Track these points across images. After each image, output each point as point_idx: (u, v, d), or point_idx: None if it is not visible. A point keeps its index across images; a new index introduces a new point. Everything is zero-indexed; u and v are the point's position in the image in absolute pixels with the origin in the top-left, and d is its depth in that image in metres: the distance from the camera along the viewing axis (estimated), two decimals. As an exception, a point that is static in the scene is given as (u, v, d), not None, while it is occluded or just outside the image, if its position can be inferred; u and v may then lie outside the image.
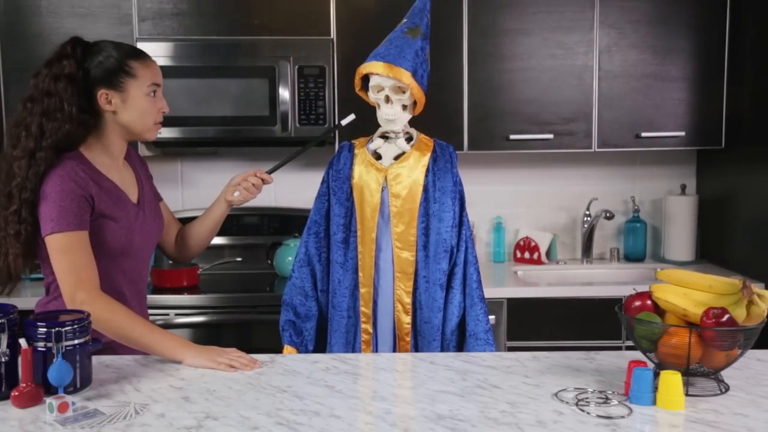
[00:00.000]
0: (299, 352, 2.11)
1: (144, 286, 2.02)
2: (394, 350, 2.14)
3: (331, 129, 2.15)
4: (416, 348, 2.13)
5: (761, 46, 2.95)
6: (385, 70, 2.03)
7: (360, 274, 2.13)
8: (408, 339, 2.12)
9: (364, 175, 2.12)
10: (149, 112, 1.88)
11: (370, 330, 2.14)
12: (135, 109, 1.85)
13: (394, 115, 2.07)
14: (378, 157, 2.14)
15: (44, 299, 1.88)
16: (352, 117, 2.13)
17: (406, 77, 2.03)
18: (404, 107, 2.09)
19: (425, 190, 2.10)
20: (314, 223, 2.18)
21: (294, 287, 2.18)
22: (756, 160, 2.99)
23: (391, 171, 2.10)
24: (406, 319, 2.11)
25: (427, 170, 2.11)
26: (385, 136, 2.13)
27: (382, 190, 2.11)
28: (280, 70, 3.01)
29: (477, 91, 3.10)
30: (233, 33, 3.05)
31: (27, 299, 2.75)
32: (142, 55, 1.89)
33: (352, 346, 2.15)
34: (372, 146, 2.15)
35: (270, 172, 2.11)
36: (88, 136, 1.85)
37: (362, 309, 2.13)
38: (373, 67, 2.05)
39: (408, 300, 2.11)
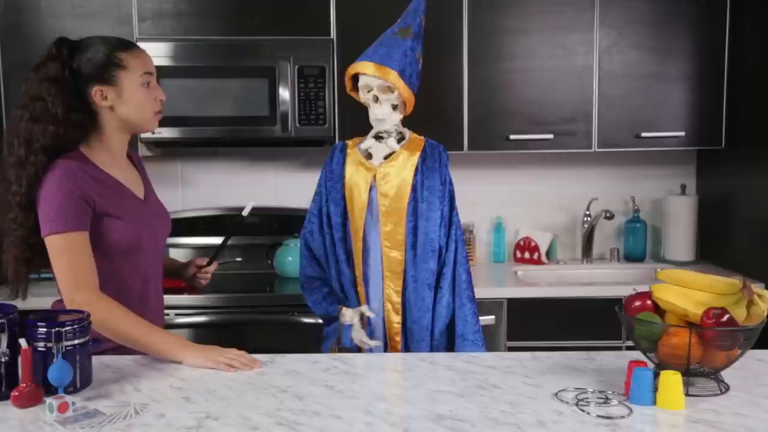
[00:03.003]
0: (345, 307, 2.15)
1: (159, 283, 2.00)
2: (385, 350, 2.15)
3: (233, 224, 2.25)
4: (406, 348, 2.13)
5: (761, 46, 2.95)
6: (372, 70, 2.04)
7: (357, 271, 2.14)
8: (398, 339, 2.13)
9: (354, 174, 2.14)
10: (146, 102, 1.86)
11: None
12: (131, 101, 1.84)
13: (383, 114, 2.08)
14: (370, 156, 2.15)
15: (61, 303, 1.88)
16: (252, 204, 2.18)
17: (393, 76, 2.03)
18: (394, 107, 2.09)
19: (414, 189, 2.10)
20: (309, 222, 2.22)
21: (306, 276, 2.22)
22: (756, 160, 2.99)
23: (380, 170, 2.11)
24: (396, 319, 2.12)
25: (416, 169, 2.11)
26: (378, 136, 2.14)
27: (371, 189, 2.11)
28: (280, 70, 3.01)
29: (477, 91, 3.10)
30: (233, 33, 3.05)
31: (27, 299, 2.74)
32: (130, 46, 1.87)
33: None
34: (363, 146, 2.16)
35: (209, 263, 2.18)
36: (88, 135, 1.85)
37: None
38: (361, 66, 2.07)
39: (397, 299, 2.11)
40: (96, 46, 1.83)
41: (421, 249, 2.10)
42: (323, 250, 2.19)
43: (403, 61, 2.05)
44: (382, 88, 2.06)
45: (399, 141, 2.15)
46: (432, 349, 2.11)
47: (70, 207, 1.74)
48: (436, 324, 2.11)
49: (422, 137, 2.19)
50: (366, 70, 2.05)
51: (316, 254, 2.20)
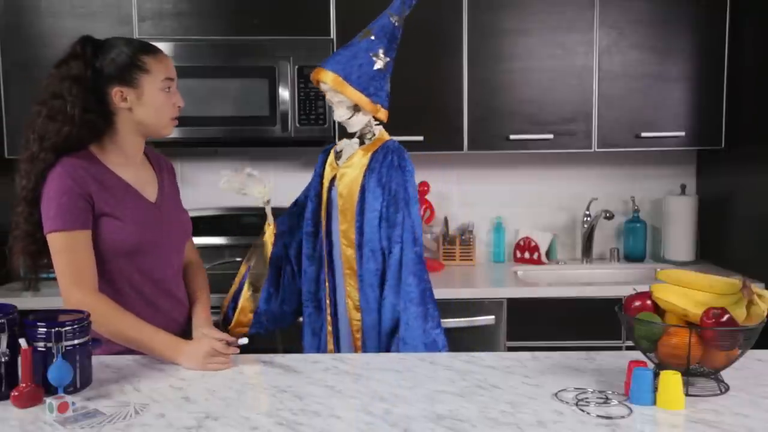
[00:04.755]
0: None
1: (174, 286, 1.98)
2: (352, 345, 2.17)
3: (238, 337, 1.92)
4: (363, 345, 2.14)
5: (761, 46, 2.95)
6: (314, 74, 2.11)
7: (325, 267, 2.18)
8: (358, 336, 2.13)
9: (327, 173, 2.20)
10: (165, 107, 1.87)
11: (332, 322, 2.19)
12: (150, 105, 1.85)
13: (338, 117, 2.14)
14: (341, 156, 2.21)
15: None
16: (245, 340, 1.87)
17: (330, 78, 2.07)
18: (355, 109, 2.10)
19: (362, 189, 2.11)
20: (292, 205, 2.34)
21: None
22: (756, 160, 2.99)
23: (341, 170, 2.15)
24: (356, 316, 2.13)
25: (366, 169, 2.12)
26: (360, 137, 2.19)
27: (331, 188, 2.16)
28: (280, 70, 3.01)
29: (477, 91, 3.10)
30: (233, 33, 3.05)
31: (27, 299, 2.75)
32: (154, 50, 1.88)
33: (318, 336, 2.22)
34: (338, 146, 2.23)
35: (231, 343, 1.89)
36: (102, 136, 1.85)
37: (327, 301, 2.18)
38: (313, 72, 2.13)
39: (356, 297, 2.12)
40: (120, 47, 1.84)
41: (365, 248, 2.11)
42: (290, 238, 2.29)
43: (350, 63, 2.07)
44: (331, 92, 2.09)
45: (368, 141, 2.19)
46: (380, 350, 2.11)
47: (70, 205, 1.75)
48: (382, 325, 2.10)
49: (388, 138, 2.19)
50: (313, 75, 2.12)
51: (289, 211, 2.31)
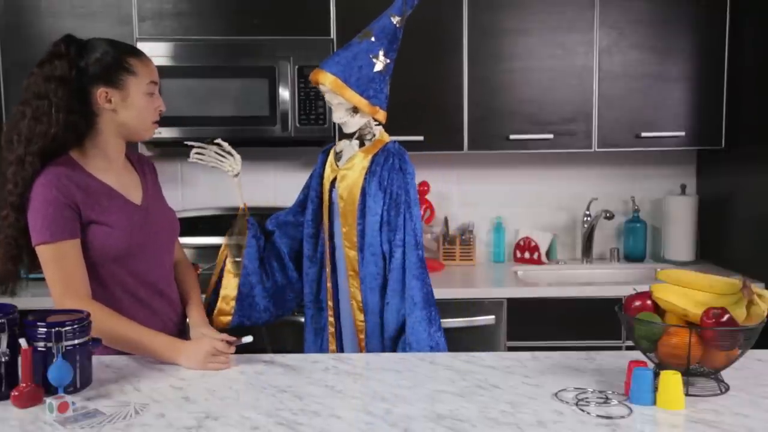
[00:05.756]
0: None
1: (167, 286, 1.97)
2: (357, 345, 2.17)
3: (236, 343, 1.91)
4: (367, 348, 2.13)
5: (761, 46, 2.96)
6: (313, 76, 2.09)
7: (327, 269, 2.17)
8: (362, 337, 2.13)
9: (327, 174, 2.19)
10: (148, 111, 1.86)
11: (335, 323, 2.18)
12: (134, 107, 1.84)
13: (337, 119, 2.12)
14: (340, 158, 2.19)
15: None
16: (249, 338, 1.87)
17: (329, 80, 2.05)
18: (354, 110, 2.10)
19: (363, 192, 2.11)
20: (294, 205, 2.32)
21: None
22: (756, 160, 3.00)
23: (341, 172, 2.14)
24: (360, 317, 2.13)
25: (367, 172, 2.11)
26: (359, 138, 2.18)
27: (332, 190, 2.15)
28: (280, 70, 3.01)
29: (477, 91, 3.10)
30: (233, 33, 3.05)
31: (27, 299, 2.74)
32: (139, 53, 1.88)
33: (320, 336, 2.21)
34: (338, 147, 2.21)
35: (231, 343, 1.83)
36: (83, 139, 1.83)
37: (329, 302, 2.18)
38: (312, 74, 2.12)
39: (360, 298, 2.12)
40: (104, 48, 1.82)
41: (366, 251, 2.10)
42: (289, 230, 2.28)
43: (350, 65, 2.05)
44: (330, 94, 2.08)
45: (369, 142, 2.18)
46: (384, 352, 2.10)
47: (56, 216, 1.73)
48: (386, 329, 2.09)
49: (389, 139, 2.19)
50: (312, 76, 2.11)
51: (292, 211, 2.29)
